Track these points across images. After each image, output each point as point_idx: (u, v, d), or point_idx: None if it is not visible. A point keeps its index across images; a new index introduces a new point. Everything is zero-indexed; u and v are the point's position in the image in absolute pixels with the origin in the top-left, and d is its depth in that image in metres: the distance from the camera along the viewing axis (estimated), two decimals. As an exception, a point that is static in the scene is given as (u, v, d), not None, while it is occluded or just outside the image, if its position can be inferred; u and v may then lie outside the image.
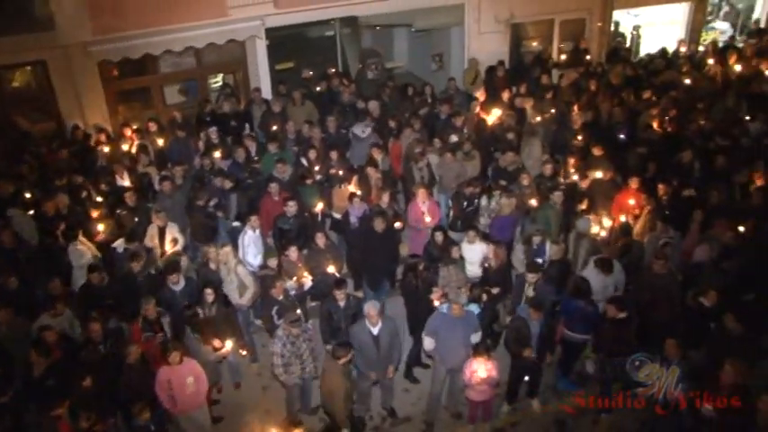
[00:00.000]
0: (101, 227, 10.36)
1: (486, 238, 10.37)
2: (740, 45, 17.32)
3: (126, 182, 11.69)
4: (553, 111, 13.85)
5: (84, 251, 9.89)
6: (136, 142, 12.94)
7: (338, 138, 13.05)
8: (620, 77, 15.13)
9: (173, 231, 10.41)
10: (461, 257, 9.79)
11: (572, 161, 11.91)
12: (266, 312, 9.04)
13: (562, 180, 11.52)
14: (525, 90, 14.66)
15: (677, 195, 10.73)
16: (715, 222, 9.82)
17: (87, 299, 9.02)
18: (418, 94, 14.95)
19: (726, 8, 20.55)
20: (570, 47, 17.47)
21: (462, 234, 10.45)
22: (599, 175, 11.28)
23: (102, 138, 12.98)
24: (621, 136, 12.96)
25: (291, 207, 10.36)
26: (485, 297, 8.95)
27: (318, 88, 15.05)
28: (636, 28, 19.32)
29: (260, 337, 10.08)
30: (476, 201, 11.11)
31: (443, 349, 8.37)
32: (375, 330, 8.15)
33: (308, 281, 9.51)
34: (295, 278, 9.45)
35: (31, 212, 10.66)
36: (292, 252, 9.60)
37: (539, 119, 13.39)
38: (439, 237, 9.95)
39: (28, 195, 11.05)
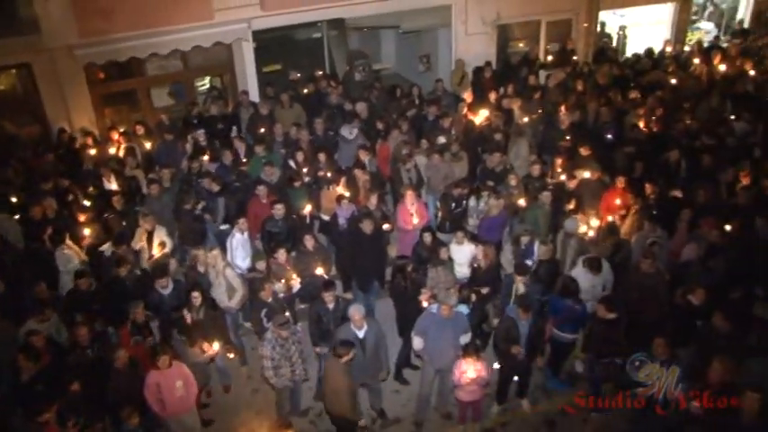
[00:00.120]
0: (87, 231, 10.31)
1: (474, 239, 10.39)
2: (725, 45, 17.45)
3: (113, 185, 11.63)
4: (540, 111, 13.91)
5: (71, 255, 9.83)
6: (123, 145, 12.89)
7: (326, 140, 13.03)
8: (606, 77, 15.17)
9: (161, 235, 10.36)
10: (450, 258, 9.81)
11: (559, 161, 11.95)
12: (255, 315, 9.01)
13: (550, 180, 11.56)
14: (512, 91, 14.69)
15: (664, 195, 10.80)
16: (702, 221, 9.88)
17: (74, 304, 8.97)
18: (406, 96, 14.98)
19: (710, 8, 20.70)
20: (557, 47, 17.55)
21: (451, 235, 10.47)
22: (586, 174, 11.31)
23: (89, 141, 12.93)
24: (609, 136, 13.01)
25: (279, 210, 10.34)
26: (473, 298, 8.97)
27: (306, 90, 15.01)
28: (622, 28, 19.45)
29: (249, 339, 10.06)
30: (464, 202, 11.13)
31: (432, 350, 8.37)
32: (360, 333, 8.12)
33: (296, 283, 9.49)
34: (284, 281, 9.43)
35: (17, 217, 10.59)
36: (281, 254, 9.58)
37: (526, 119, 13.40)
38: (427, 238, 9.96)
39: (14, 199, 10.99)
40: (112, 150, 12.84)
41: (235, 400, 9.52)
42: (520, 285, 8.95)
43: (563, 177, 11.53)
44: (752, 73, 14.97)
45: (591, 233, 10.17)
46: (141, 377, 7.85)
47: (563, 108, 13.59)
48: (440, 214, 11.32)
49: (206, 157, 12.12)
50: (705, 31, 20.26)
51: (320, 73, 16.21)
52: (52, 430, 7.12)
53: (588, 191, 11.07)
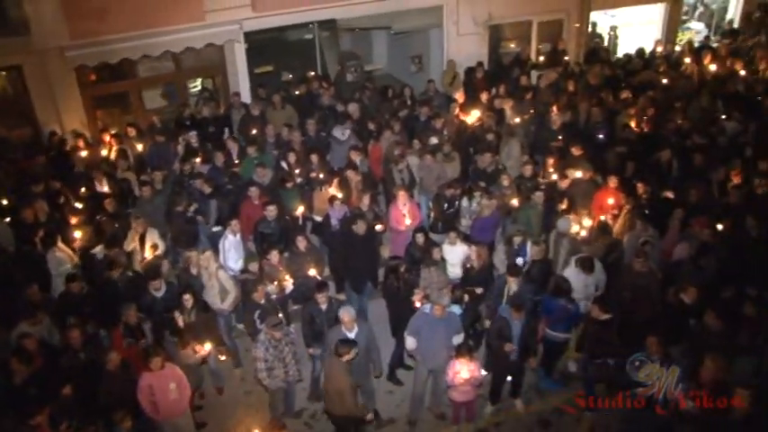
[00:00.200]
0: (79, 233, 10.26)
1: (467, 239, 10.41)
2: (715, 45, 17.54)
3: (105, 187, 11.59)
4: (532, 111, 13.93)
5: (63, 258, 9.80)
6: (115, 147, 12.82)
7: (318, 141, 13.01)
8: (598, 78, 15.22)
9: (153, 237, 10.32)
10: (443, 259, 9.80)
11: (551, 161, 11.95)
12: (248, 317, 9.01)
13: (542, 180, 11.58)
14: (504, 91, 14.72)
15: (656, 194, 10.83)
16: (694, 220, 9.92)
17: (66, 306, 8.94)
18: (397, 96, 15.00)
19: (700, 9, 20.79)
20: (548, 48, 17.58)
21: (443, 236, 10.47)
22: (578, 174, 11.35)
23: (80, 143, 12.88)
24: (600, 136, 13.05)
25: (272, 211, 10.33)
26: (466, 298, 8.99)
27: (298, 91, 15.03)
28: (613, 28, 19.50)
29: (242, 341, 10.04)
30: (456, 202, 11.15)
31: (425, 350, 8.38)
32: (351, 335, 8.11)
33: (289, 284, 9.48)
34: (276, 282, 9.40)
35: (8, 219, 10.54)
36: (273, 256, 9.57)
37: (518, 120, 13.44)
38: (420, 238, 9.97)
39: (5, 202, 10.95)
40: (104, 152, 12.80)
41: (228, 401, 9.50)
42: (512, 285, 8.97)
43: (555, 177, 11.56)
44: (742, 73, 15.09)
45: (583, 233, 10.19)
46: (134, 380, 7.82)
47: (554, 108, 13.63)
48: (432, 215, 11.33)
49: (198, 159, 12.07)
50: (695, 31, 20.35)
51: (312, 74, 16.20)
52: (44, 433, 7.11)
53: (580, 191, 11.09)
